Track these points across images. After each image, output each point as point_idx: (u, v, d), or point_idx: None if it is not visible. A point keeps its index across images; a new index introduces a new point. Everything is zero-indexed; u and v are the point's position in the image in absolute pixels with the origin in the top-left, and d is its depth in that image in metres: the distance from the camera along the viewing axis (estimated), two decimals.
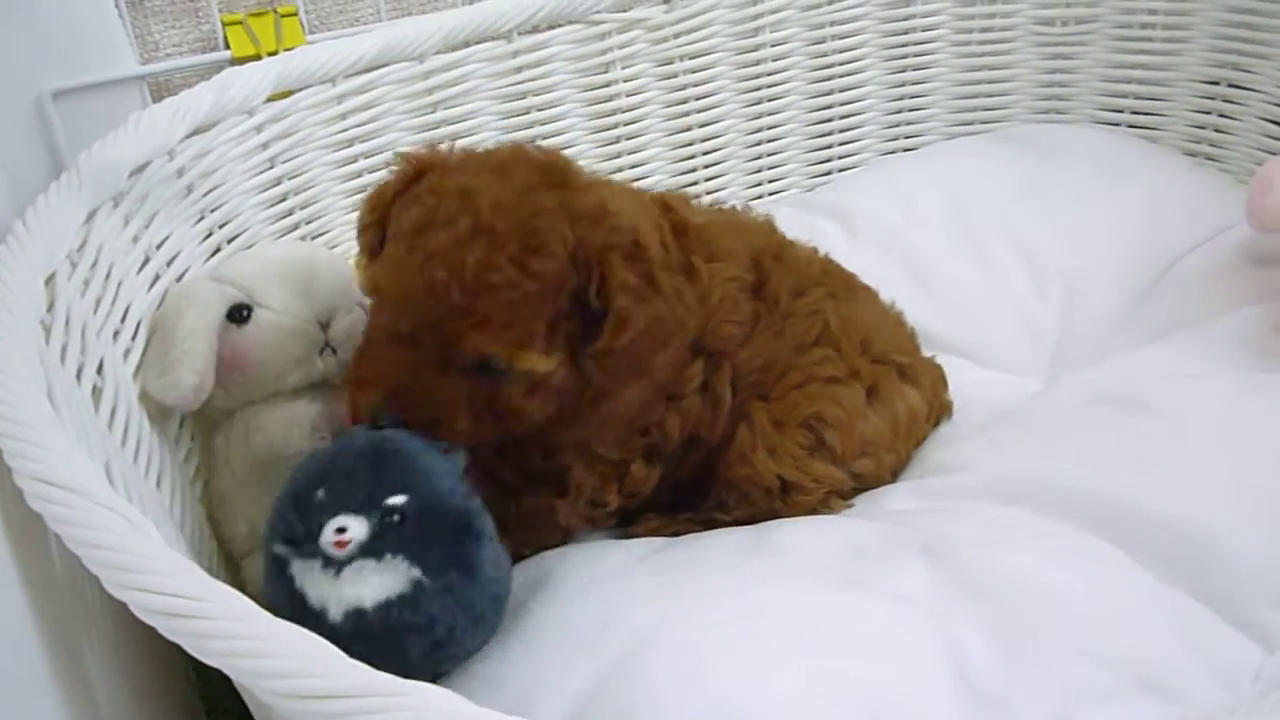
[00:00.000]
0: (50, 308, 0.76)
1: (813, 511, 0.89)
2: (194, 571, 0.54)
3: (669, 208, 0.86)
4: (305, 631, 0.53)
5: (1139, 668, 0.68)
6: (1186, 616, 0.73)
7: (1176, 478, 0.81)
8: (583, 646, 0.70)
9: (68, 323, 0.76)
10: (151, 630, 0.53)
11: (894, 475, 0.95)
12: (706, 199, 1.33)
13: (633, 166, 1.28)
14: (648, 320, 0.73)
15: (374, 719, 0.49)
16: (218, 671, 0.67)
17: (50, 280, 0.77)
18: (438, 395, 0.72)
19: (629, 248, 0.74)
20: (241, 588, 0.80)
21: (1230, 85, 1.27)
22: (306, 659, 0.51)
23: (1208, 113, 1.29)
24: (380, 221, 0.77)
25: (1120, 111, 1.35)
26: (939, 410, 1.01)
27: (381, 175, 1.11)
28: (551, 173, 0.75)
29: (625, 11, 1.21)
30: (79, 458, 0.59)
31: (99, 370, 0.78)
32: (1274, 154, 1.22)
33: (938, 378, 1.02)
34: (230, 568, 0.88)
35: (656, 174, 1.30)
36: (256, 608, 0.53)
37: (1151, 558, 0.76)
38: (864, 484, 0.93)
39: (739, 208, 1.01)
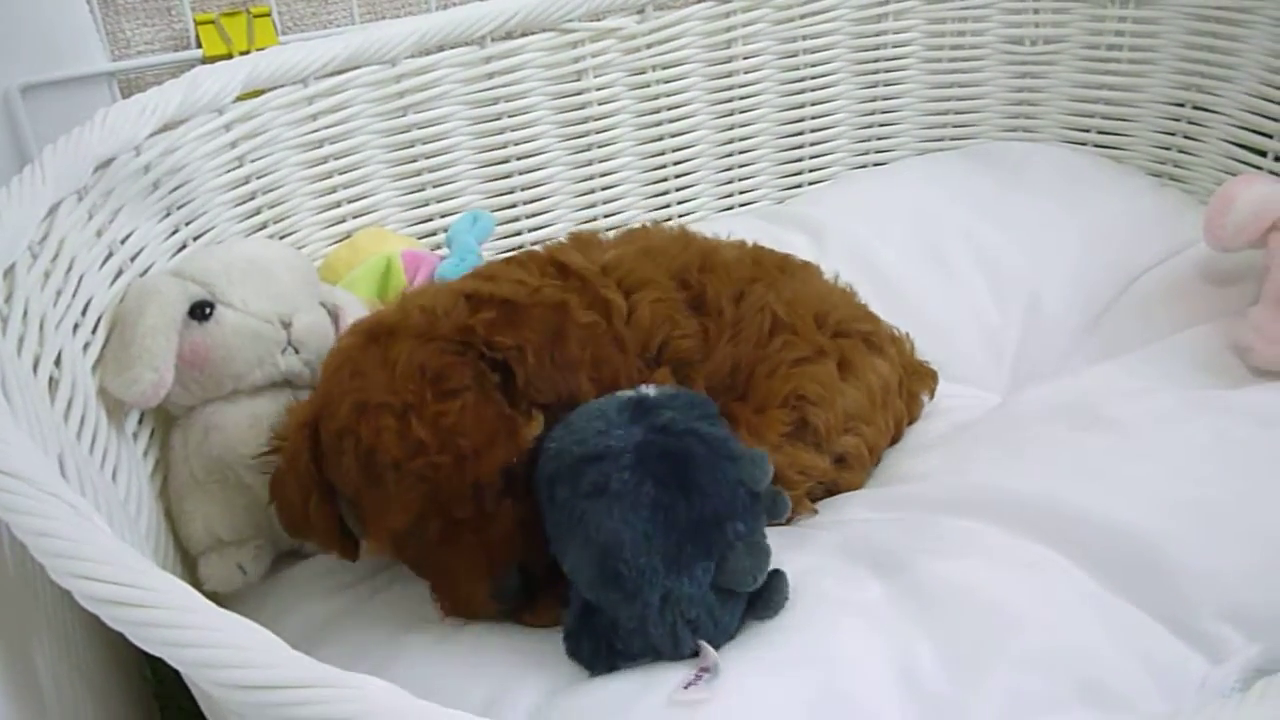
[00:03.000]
0: (8, 298, 0.76)
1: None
2: (137, 560, 0.54)
3: (564, 266, 0.88)
4: (248, 622, 0.53)
5: (1085, 678, 0.68)
6: (1133, 627, 0.73)
7: (1128, 491, 0.82)
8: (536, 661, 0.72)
9: (25, 314, 0.76)
10: (104, 624, 0.53)
11: (874, 454, 0.95)
12: (677, 208, 1.34)
13: (604, 174, 1.29)
14: (529, 329, 0.78)
15: (316, 710, 0.49)
16: (169, 668, 0.68)
17: (9, 271, 0.77)
18: (504, 533, 0.75)
19: (471, 305, 0.79)
20: (197, 586, 0.80)
21: (1195, 107, 1.28)
22: (248, 649, 0.51)
23: (1172, 134, 1.31)
24: (317, 486, 0.78)
25: (1087, 131, 1.36)
26: (916, 379, 1.02)
27: (352, 176, 1.13)
28: (387, 328, 0.78)
29: (598, 21, 1.22)
30: (27, 445, 0.59)
31: (56, 362, 0.78)
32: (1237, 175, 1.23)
33: (902, 343, 1.02)
34: (187, 565, 0.88)
35: (627, 183, 1.30)
36: (200, 597, 0.53)
37: (1100, 569, 0.77)
38: (846, 468, 0.93)
39: (648, 225, 1.03)
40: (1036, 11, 1.35)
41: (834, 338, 0.94)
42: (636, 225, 1.28)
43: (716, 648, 0.69)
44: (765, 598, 0.72)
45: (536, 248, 0.95)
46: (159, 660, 0.52)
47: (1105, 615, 0.74)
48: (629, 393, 0.76)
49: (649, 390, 0.76)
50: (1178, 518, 0.79)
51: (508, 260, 0.92)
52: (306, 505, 0.78)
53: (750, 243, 1.02)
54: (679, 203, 1.34)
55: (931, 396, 1.03)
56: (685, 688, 0.66)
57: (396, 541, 0.77)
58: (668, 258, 0.93)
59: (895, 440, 0.99)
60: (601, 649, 0.70)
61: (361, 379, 0.75)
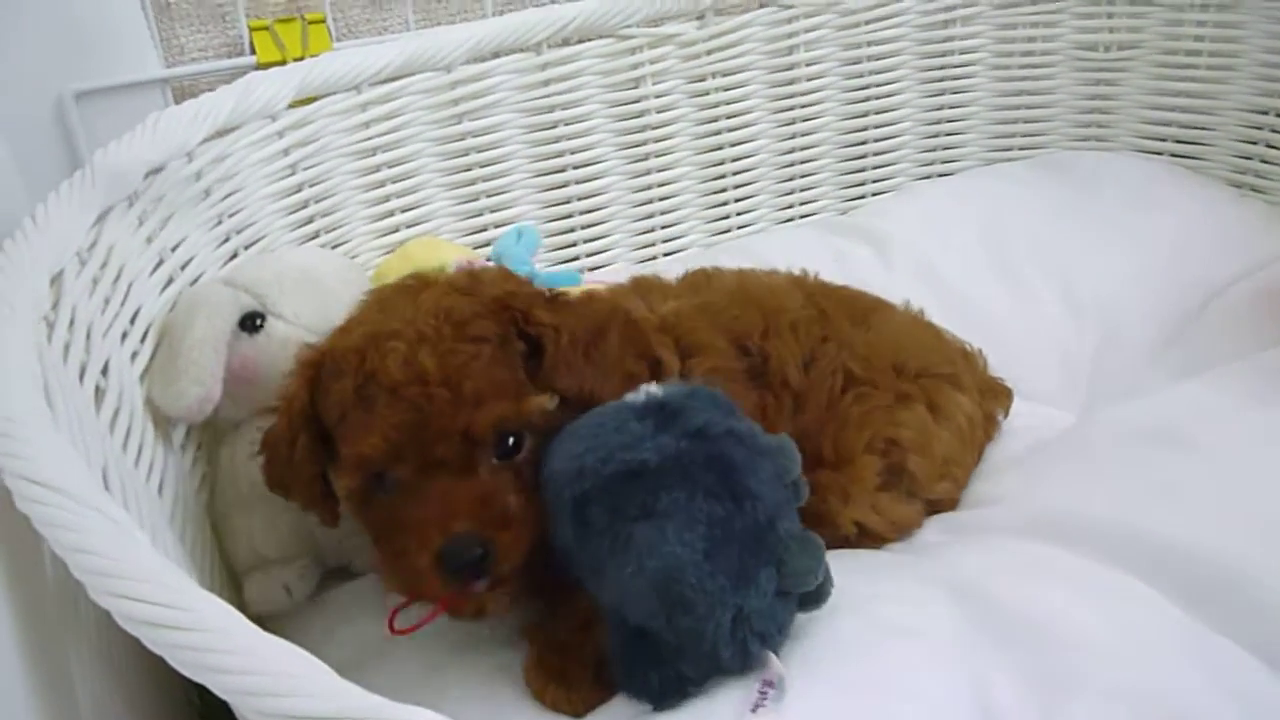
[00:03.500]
0: (55, 305, 0.74)
1: None
2: (179, 579, 0.51)
3: (625, 315, 0.82)
4: (295, 648, 0.50)
5: (1173, 712, 0.64)
6: (1226, 661, 0.69)
7: (1212, 516, 0.78)
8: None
9: (72, 321, 0.74)
10: (148, 649, 0.50)
11: (961, 495, 0.91)
12: (736, 219, 1.31)
13: (661, 185, 1.26)
14: (575, 323, 0.74)
15: None
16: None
17: (57, 278, 0.75)
18: (489, 498, 0.68)
19: (519, 286, 0.77)
20: (242, 607, 0.78)
21: (1278, 115, 1.23)
22: (295, 677, 0.48)
23: (1254, 143, 1.26)
24: (306, 426, 0.73)
25: (1163, 140, 1.32)
26: (990, 398, 0.97)
27: (406, 185, 1.11)
28: (428, 280, 0.76)
29: (657, 26, 1.19)
30: (70, 458, 0.57)
31: (104, 371, 0.76)
32: None
33: (975, 360, 0.98)
34: (233, 585, 0.85)
35: (685, 193, 1.27)
36: (244, 620, 0.50)
37: (1185, 596, 0.73)
38: (937, 510, 0.89)
39: (709, 270, 0.96)
40: (1110, 16, 1.31)
41: (916, 380, 0.89)
42: (693, 249, 1.28)
43: (778, 651, 0.66)
44: (816, 590, 0.68)
45: (598, 284, 0.91)
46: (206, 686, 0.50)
47: (1194, 648, 0.70)
48: (638, 397, 0.71)
49: (656, 390, 0.71)
50: (1266, 544, 0.74)
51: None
52: (293, 446, 0.73)
53: (813, 275, 0.98)
54: (738, 214, 1.31)
55: (1006, 415, 0.99)
56: (754, 710, 0.62)
57: (365, 483, 0.70)
58: (728, 318, 0.87)
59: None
60: (671, 679, 0.65)
61: (382, 313, 0.72)
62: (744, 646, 0.65)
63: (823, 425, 0.86)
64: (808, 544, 0.67)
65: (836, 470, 0.84)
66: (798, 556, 0.66)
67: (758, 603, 0.65)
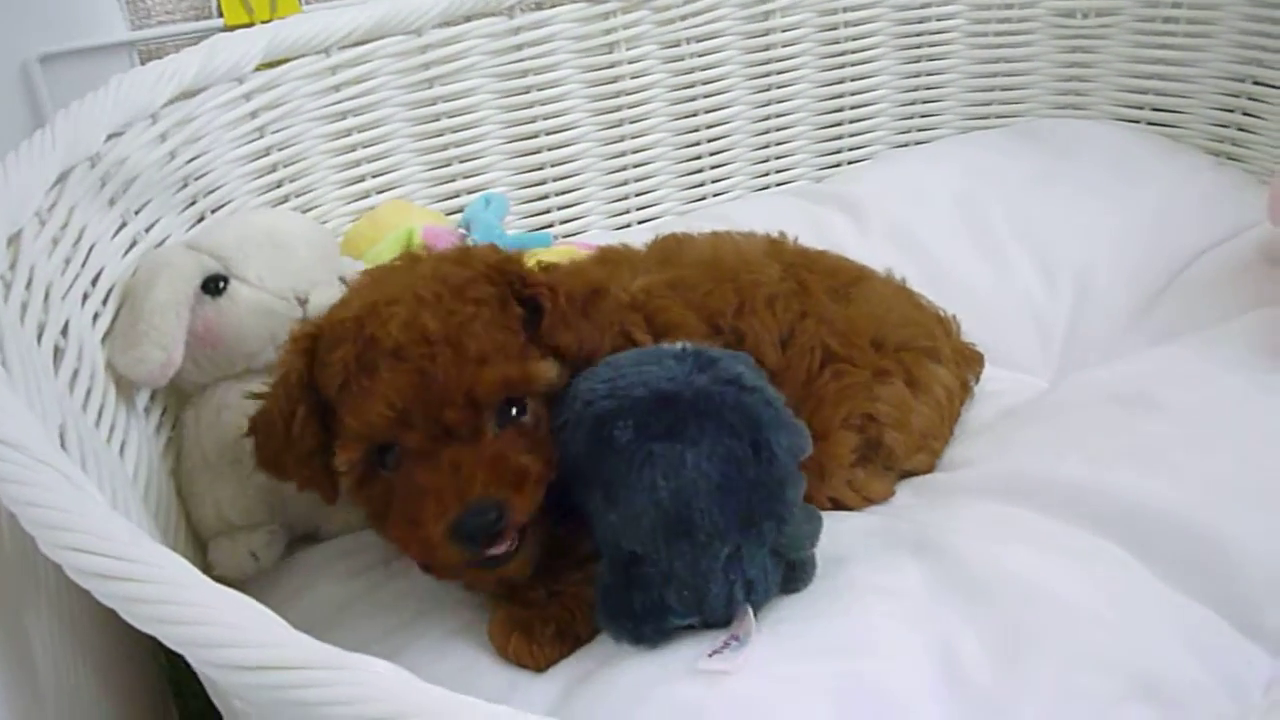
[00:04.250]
0: (13, 265, 0.73)
1: None
2: (130, 532, 0.50)
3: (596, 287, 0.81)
4: (247, 599, 0.49)
5: (1140, 674, 0.64)
6: (1194, 622, 0.69)
7: (1187, 479, 0.78)
8: None
9: (30, 281, 0.73)
10: (114, 613, 0.49)
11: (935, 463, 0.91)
12: (712, 187, 1.30)
13: (635, 152, 1.25)
14: (567, 280, 0.74)
15: (318, 693, 0.46)
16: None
17: (14, 238, 0.74)
18: (495, 457, 0.67)
19: (518, 259, 0.76)
20: (207, 570, 0.77)
21: (1255, 82, 1.23)
22: (243, 628, 0.47)
23: (1231, 110, 1.25)
24: (304, 398, 0.71)
25: (1140, 108, 1.31)
26: (964, 364, 0.97)
27: (376, 150, 1.10)
28: (419, 254, 0.76)
29: None
30: (20, 411, 0.56)
31: (63, 332, 0.75)
32: None
33: (949, 325, 0.98)
34: (198, 548, 0.85)
35: (660, 160, 1.27)
36: (196, 572, 0.50)
37: (1159, 560, 0.73)
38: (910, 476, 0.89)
39: (679, 235, 0.94)
40: None
41: (896, 353, 0.89)
42: (667, 217, 1.27)
43: (758, 608, 0.67)
44: (801, 569, 0.70)
45: (570, 246, 0.90)
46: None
47: (1164, 609, 0.70)
48: (676, 346, 0.72)
49: (691, 345, 0.72)
50: (1240, 508, 0.75)
51: None
52: (291, 421, 0.71)
53: (794, 240, 0.96)
54: (713, 181, 1.30)
55: (978, 380, 0.99)
56: (711, 655, 0.63)
57: (368, 456, 0.69)
58: (700, 294, 0.85)
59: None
60: (654, 606, 0.66)
61: (378, 286, 0.72)
62: (732, 588, 0.66)
63: (801, 403, 0.85)
64: (810, 514, 0.70)
65: (819, 445, 0.84)
66: (800, 522, 0.69)
67: (755, 550, 0.66)
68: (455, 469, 0.66)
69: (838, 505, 0.83)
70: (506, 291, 0.72)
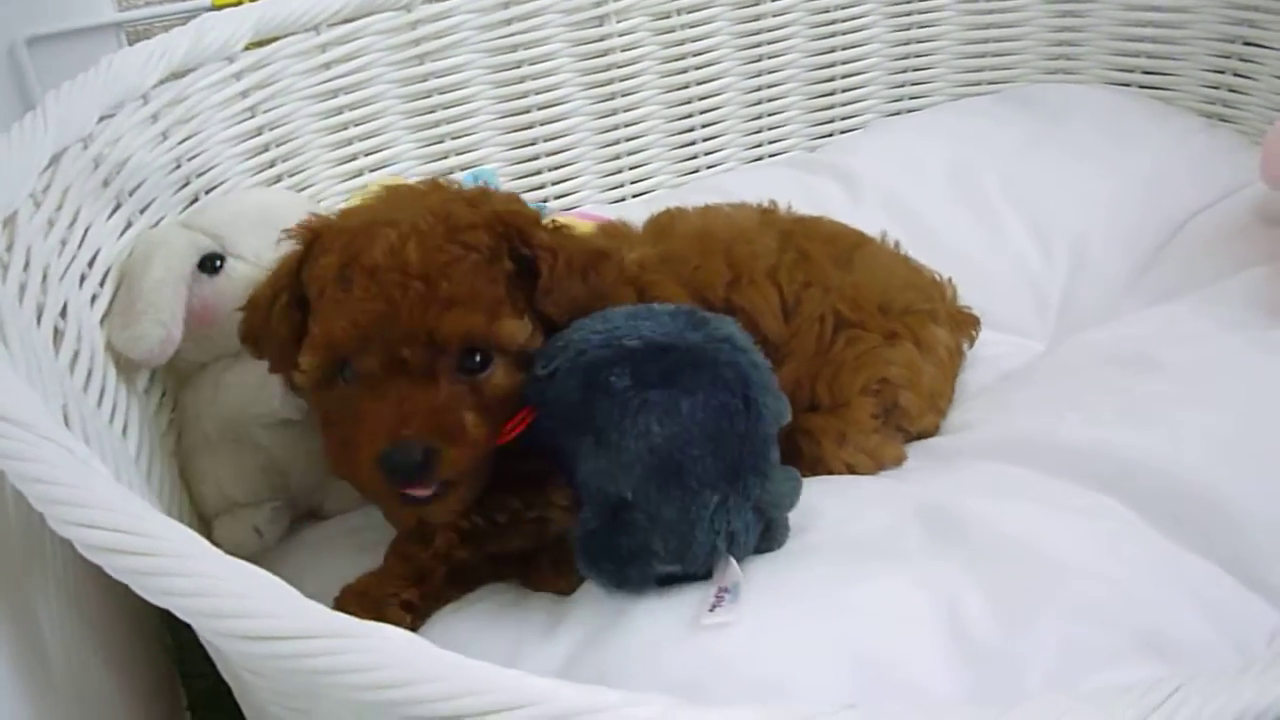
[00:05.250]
0: (9, 247, 0.72)
1: None
2: (139, 505, 0.50)
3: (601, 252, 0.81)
4: (258, 569, 0.49)
5: (1145, 629, 0.64)
6: (1198, 577, 0.69)
7: (1187, 437, 0.78)
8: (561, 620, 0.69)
9: (28, 263, 0.73)
10: (120, 589, 0.50)
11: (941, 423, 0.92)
12: (704, 159, 1.30)
13: (628, 125, 1.24)
14: (572, 247, 0.74)
15: (331, 661, 0.46)
16: (191, 634, 0.64)
17: (10, 220, 0.74)
18: (444, 409, 0.67)
19: (522, 207, 0.75)
20: None
21: (1246, 44, 1.23)
22: (257, 598, 0.48)
23: (1222, 72, 1.25)
24: (290, 287, 0.73)
25: (1131, 71, 1.31)
26: (960, 333, 0.97)
27: (368, 127, 1.10)
28: (441, 186, 0.76)
29: None
30: (23, 390, 0.56)
31: (62, 314, 0.75)
32: None
33: (950, 301, 0.98)
34: (201, 528, 0.85)
35: (652, 133, 1.26)
36: (206, 544, 0.50)
37: (1162, 517, 0.73)
38: (918, 439, 0.90)
39: (673, 210, 0.93)
40: None
41: (903, 316, 0.89)
42: (661, 190, 1.27)
43: (740, 561, 0.68)
44: (775, 530, 0.71)
45: (564, 217, 0.89)
46: (179, 626, 0.49)
47: (1166, 563, 0.71)
48: (669, 305, 0.73)
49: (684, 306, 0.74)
50: (1240, 464, 0.75)
51: None
52: (272, 305, 0.73)
53: (788, 208, 0.96)
54: (706, 153, 1.29)
55: (972, 344, 0.99)
56: (711, 610, 0.63)
57: (328, 365, 0.70)
58: (689, 269, 0.84)
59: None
60: (639, 548, 0.66)
61: (387, 205, 0.73)
62: (716, 538, 0.66)
63: (816, 371, 0.86)
64: (790, 475, 0.71)
65: (833, 414, 0.85)
66: (782, 480, 0.70)
67: (740, 503, 0.67)
68: (398, 404, 0.66)
69: (851, 471, 0.84)
70: (502, 244, 0.71)
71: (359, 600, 0.71)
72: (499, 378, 0.70)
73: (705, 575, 0.67)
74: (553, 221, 0.77)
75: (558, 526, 0.73)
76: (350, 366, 0.69)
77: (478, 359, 0.69)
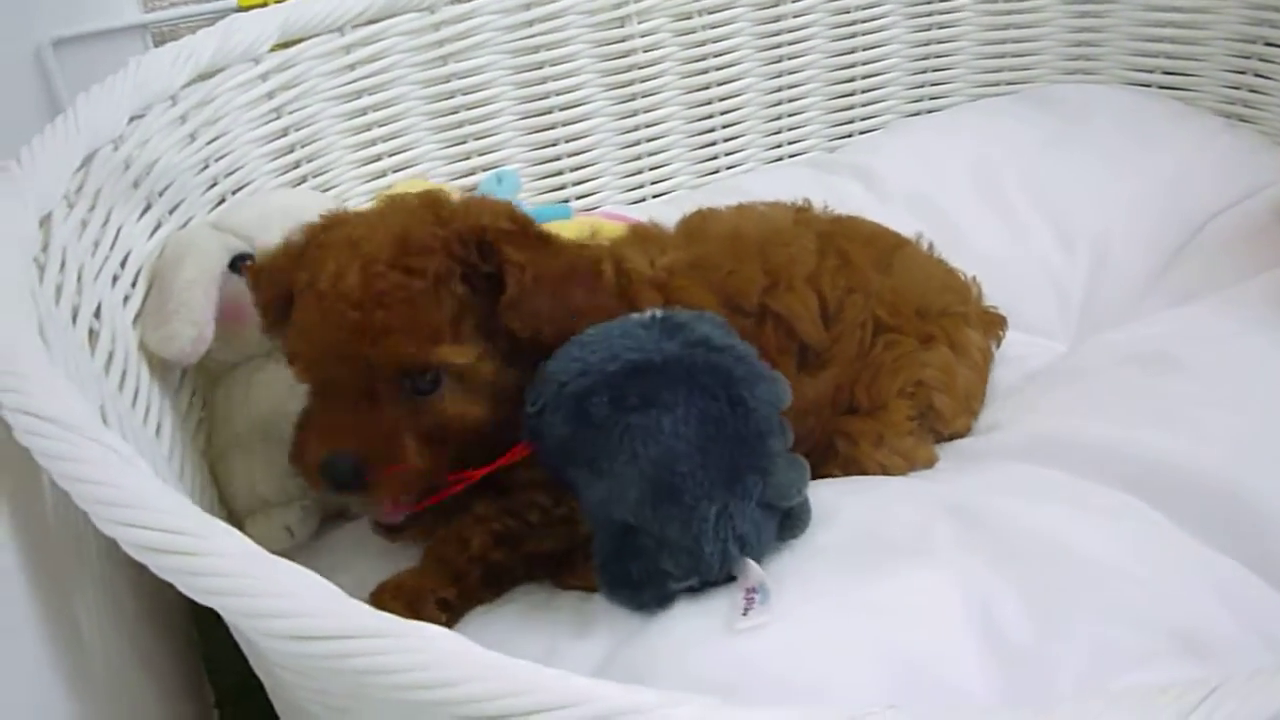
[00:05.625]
0: (45, 248, 0.73)
1: None
2: (186, 506, 0.51)
3: (620, 261, 0.82)
4: (304, 569, 0.50)
5: (1177, 630, 0.65)
6: (1227, 578, 0.70)
7: (1213, 437, 0.78)
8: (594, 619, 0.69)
9: (63, 264, 0.73)
10: (150, 587, 0.50)
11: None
12: (725, 160, 1.30)
13: (649, 125, 1.25)
14: (542, 260, 0.73)
15: (377, 661, 0.47)
16: (221, 631, 0.65)
17: (45, 220, 0.74)
18: (380, 428, 0.70)
19: (505, 219, 0.75)
20: None
21: (1267, 44, 1.23)
22: (300, 597, 0.48)
23: (1242, 73, 1.25)
24: (284, 285, 0.74)
25: (1151, 72, 1.31)
26: (989, 331, 0.98)
27: (392, 128, 1.10)
28: (428, 200, 0.76)
29: None
30: (69, 391, 0.56)
31: (96, 314, 0.75)
32: None
33: (978, 300, 0.98)
34: (233, 526, 0.85)
35: (673, 134, 1.26)
36: (252, 544, 0.50)
37: (1190, 518, 0.74)
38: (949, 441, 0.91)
39: (705, 211, 0.92)
40: None
41: (938, 320, 0.90)
42: (680, 190, 1.27)
43: (759, 561, 0.68)
44: (795, 517, 0.71)
45: (591, 218, 0.90)
46: (205, 623, 0.50)
47: (1197, 564, 0.71)
48: (644, 315, 0.73)
49: (659, 311, 0.73)
50: (1265, 461, 0.75)
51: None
52: (260, 284, 0.77)
53: (824, 207, 0.96)
54: (727, 154, 1.30)
55: (999, 344, 0.99)
56: (745, 614, 0.64)
57: (299, 372, 0.74)
58: (721, 275, 0.83)
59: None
60: (651, 573, 0.67)
61: (366, 222, 0.74)
62: (725, 546, 0.67)
63: (856, 375, 0.86)
64: (794, 462, 0.71)
65: (871, 416, 0.86)
66: (784, 470, 0.70)
67: (742, 505, 0.67)
68: (338, 417, 0.71)
69: (885, 472, 0.84)
70: (456, 266, 0.71)
71: (396, 595, 0.72)
72: (448, 402, 0.71)
73: (728, 579, 0.68)
74: (541, 231, 0.76)
75: (587, 525, 0.74)
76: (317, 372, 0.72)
77: (427, 379, 0.71)
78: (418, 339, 0.69)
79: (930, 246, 0.99)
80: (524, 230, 0.75)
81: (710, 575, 0.67)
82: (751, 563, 0.67)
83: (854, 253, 0.89)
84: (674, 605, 0.68)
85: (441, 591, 0.72)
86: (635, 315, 0.73)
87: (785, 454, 0.71)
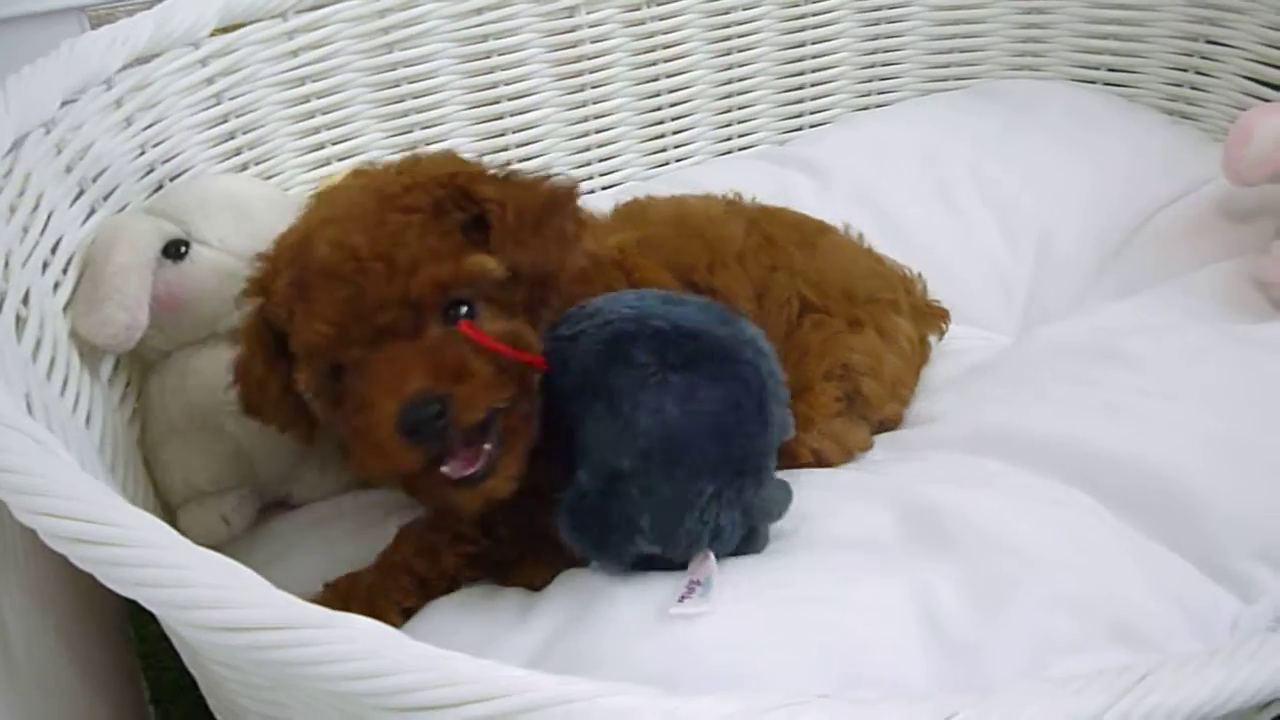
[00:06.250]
0: None
1: None
2: (106, 495, 0.50)
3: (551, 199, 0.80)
4: (227, 560, 0.49)
5: (1113, 617, 0.65)
6: (1163, 567, 0.70)
7: (1152, 428, 0.79)
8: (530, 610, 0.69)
9: None
10: (82, 584, 0.49)
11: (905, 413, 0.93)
12: (674, 151, 1.30)
13: (598, 117, 1.24)
14: (518, 194, 0.72)
15: (301, 652, 0.46)
16: (157, 627, 0.64)
17: None
18: (435, 349, 0.66)
19: (468, 164, 0.74)
20: None
21: (1208, 41, 1.24)
22: (227, 588, 0.47)
23: (1184, 70, 1.26)
24: (262, 341, 0.72)
25: (1096, 69, 1.32)
26: (923, 322, 0.98)
27: (336, 116, 1.08)
28: (378, 170, 0.75)
29: None
30: None
31: (24, 301, 0.73)
32: None
33: (913, 284, 0.99)
34: (167, 518, 0.84)
35: (623, 125, 1.26)
36: (174, 533, 0.49)
37: (1127, 508, 0.74)
38: (882, 429, 0.90)
39: (641, 199, 0.94)
40: None
41: (865, 305, 0.90)
42: (630, 182, 1.26)
43: (718, 558, 0.68)
44: (756, 537, 0.71)
45: None
46: (141, 619, 0.49)
47: (1133, 554, 0.71)
48: (701, 299, 0.75)
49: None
50: (1205, 454, 0.76)
51: None
52: (254, 367, 0.73)
53: (752, 199, 0.97)
54: (676, 146, 1.29)
55: (940, 337, 1.00)
56: (681, 600, 0.63)
57: (322, 376, 0.69)
58: (670, 251, 0.85)
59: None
60: (627, 521, 0.66)
61: (320, 207, 0.72)
62: (701, 529, 0.67)
63: (783, 355, 0.85)
64: (783, 485, 0.72)
65: (797, 398, 0.84)
66: (775, 488, 0.71)
67: (732, 499, 0.67)
68: (392, 365, 0.65)
69: (819, 459, 0.83)
70: (446, 201, 0.70)
71: (350, 597, 0.71)
72: (488, 323, 0.69)
73: (681, 565, 0.67)
74: (501, 169, 0.75)
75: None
76: (341, 368, 0.68)
77: (463, 310, 0.68)
78: (448, 258, 0.67)
79: (860, 236, 1.00)
80: (488, 172, 0.74)
81: (675, 550, 0.67)
82: (710, 555, 0.67)
83: (777, 234, 0.90)
84: (615, 591, 0.67)
85: (406, 601, 0.71)
86: (692, 296, 0.75)
87: (776, 475, 0.72)
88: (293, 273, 0.68)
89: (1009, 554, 0.69)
